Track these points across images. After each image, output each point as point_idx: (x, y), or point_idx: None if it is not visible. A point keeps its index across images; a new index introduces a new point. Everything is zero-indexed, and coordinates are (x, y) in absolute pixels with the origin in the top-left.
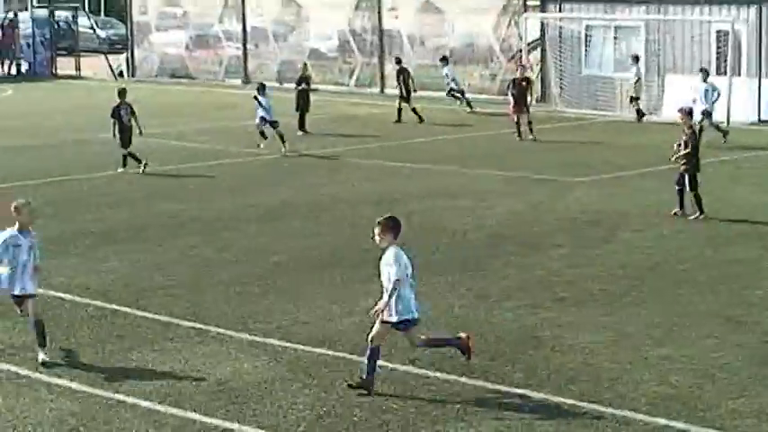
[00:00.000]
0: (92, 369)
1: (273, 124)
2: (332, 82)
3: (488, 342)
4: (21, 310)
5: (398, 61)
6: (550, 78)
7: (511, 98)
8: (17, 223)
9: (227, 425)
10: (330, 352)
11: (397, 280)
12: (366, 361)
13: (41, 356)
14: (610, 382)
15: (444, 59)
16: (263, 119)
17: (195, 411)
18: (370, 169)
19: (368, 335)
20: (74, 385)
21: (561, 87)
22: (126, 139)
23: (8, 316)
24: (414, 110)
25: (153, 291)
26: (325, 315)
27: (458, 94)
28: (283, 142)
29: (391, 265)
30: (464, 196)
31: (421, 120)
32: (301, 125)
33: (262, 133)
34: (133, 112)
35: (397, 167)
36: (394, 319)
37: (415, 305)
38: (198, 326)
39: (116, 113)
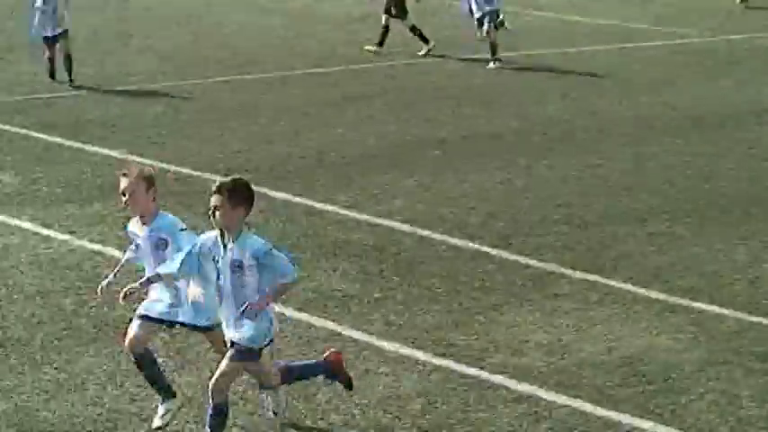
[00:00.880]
0: (441, 331)
1: (492, 16)
2: None
3: None
4: None
5: None
6: None
7: None
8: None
9: (636, 422)
10: None
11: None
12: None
13: (157, 421)
14: None
15: None
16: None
17: (586, 400)
18: None
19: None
20: (419, 355)
21: None
22: (403, 9)
23: (322, 264)
24: None
25: (527, 226)
26: None
27: None
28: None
29: (276, 268)
30: None
31: None
32: None
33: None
34: None
35: None
36: (257, 343)
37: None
38: (594, 278)
39: None
